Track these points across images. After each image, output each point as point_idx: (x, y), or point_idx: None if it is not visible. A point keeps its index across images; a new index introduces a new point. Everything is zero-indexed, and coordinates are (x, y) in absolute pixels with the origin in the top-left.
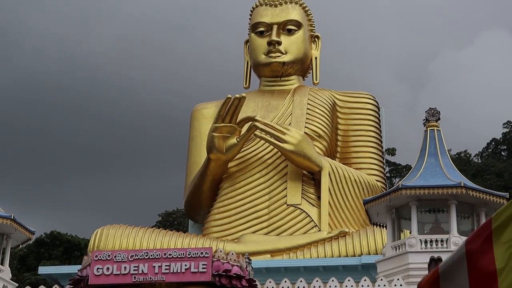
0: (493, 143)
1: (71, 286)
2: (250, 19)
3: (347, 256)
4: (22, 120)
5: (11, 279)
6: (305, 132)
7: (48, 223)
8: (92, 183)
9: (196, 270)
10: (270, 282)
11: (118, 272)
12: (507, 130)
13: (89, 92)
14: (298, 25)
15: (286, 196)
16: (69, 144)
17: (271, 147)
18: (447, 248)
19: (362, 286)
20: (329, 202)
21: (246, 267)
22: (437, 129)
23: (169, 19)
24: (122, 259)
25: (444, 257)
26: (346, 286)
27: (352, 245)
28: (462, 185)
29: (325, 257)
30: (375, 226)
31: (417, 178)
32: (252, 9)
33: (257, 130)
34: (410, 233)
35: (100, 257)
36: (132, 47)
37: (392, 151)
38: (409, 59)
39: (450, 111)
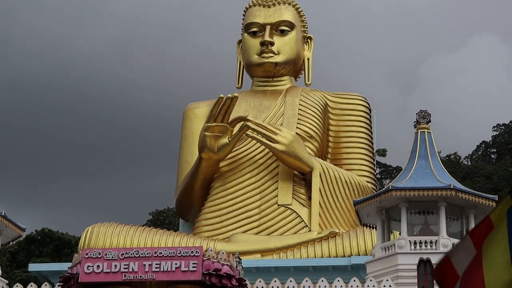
0: (483, 145)
1: (61, 284)
2: (243, 19)
3: (337, 256)
4: (22, 120)
5: (1, 276)
6: (296, 133)
7: (39, 221)
8: (83, 182)
9: (187, 269)
10: (260, 281)
11: (109, 270)
12: (497, 133)
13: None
14: (291, 26)
15: (277, 196)
16: (69, 144)
17: (263, 147)
18: (436, 249)
19: (352, 286)
20: (319, 203)
21: (236, 266)
22: (427, 132)
23: (161, 20)
24: (112, 257)
25: (433, 258)
26: (336, 286)
27: (342, 245)
28: (452, 187)
29: (315, 257)
30: (365, 227)
31: (407, 180)
32: (245, 10)
33: (249, 130)
34: (400, 234)
35: (90, 255)
36: (127, 48)
37: (383, 152)
38: (400, 62)
39: (441, 114)
